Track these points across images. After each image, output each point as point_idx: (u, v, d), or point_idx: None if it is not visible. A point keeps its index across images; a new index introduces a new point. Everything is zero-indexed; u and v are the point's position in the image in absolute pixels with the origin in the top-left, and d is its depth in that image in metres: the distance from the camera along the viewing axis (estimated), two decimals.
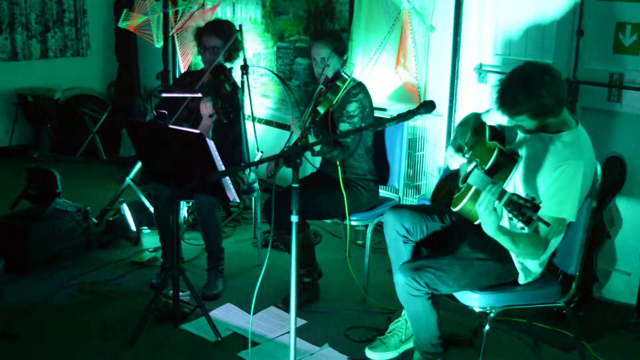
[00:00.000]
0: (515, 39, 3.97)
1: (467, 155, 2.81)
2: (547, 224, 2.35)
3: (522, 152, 2.66)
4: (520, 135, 2.72)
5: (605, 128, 3.61)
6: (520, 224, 2.31)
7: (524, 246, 2.51)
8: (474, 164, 2.68)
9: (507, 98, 2.49)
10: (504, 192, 2.36)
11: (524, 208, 2.29)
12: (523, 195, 2.60)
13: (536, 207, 2.28)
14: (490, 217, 2.40)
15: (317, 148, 3.46)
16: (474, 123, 2.95)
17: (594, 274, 3.53)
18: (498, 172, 2.60)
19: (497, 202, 2.37)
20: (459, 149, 2.82)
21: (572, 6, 3.63)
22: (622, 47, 3.49)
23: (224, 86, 3.77)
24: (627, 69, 3.48)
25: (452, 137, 2.96)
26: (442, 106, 4.00)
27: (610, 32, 3.51)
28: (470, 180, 2.62)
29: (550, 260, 2.78)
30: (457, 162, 2.84)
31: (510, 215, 2.34)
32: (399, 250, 2.98)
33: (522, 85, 2.46)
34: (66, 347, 3.24)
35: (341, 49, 3.57)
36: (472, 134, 2.93)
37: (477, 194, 2.52)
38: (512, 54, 3.99)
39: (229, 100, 3.69)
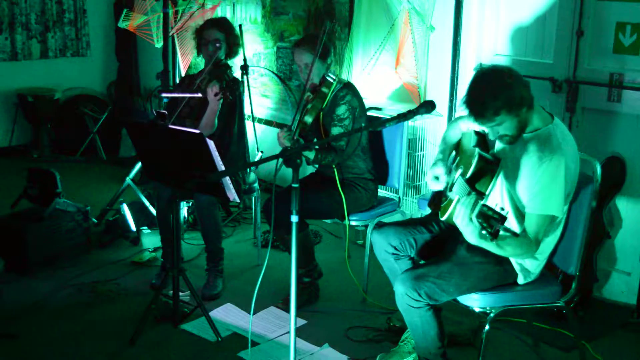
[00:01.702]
0: (515, 39, 3.97)
1: (452, 171, 2.82)
2: (515, 234, 2.35)
3: (504, 159, 2.65)
4: (500, 146, 2.69)
5: (605, 128, 3.61)
6: (488, 236, 2.30)
7: (512, 249, 2.50)
8: (459, 171, 2.68)
9: (477, 106, 2.46)
10: (476, 203, 2.35)
11: (492, 219, 2.28)
12: (507, 201, 2.60)
13: (503, 219, 2.27)
14: (467, 227, 2.40)
15: (311, 157, 3.41)
16: (453, 146, 2.96)
17: (594, 274, 3.53)
18: (480, 178, 2.60)
19: (471, 213, 2.36)
20: (437, 178, 2.83)
21: (572, 6, 3.63)
22: (622, 47, 3.48)
23: (226, 73, 3.87)
24: (627, 69, 3.48)
25: (436, 155, 2.96)
26: (442, 106, 4.00)
27: (610, 32, 3.51)
28: (454, 190, 2.63)
29: (550, 260, 2.78)
30: (436, 187, 2.85)
31: (480, 227, 2.34)
32: (393, 268, 2.97)
33: (485, 87, 2.45)
34: (66, 347, 3.24)
35: (324, 53, 3.52)
36: (455, 151, 2.94)
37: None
38: (512, 54, 3.99)
39: (233, 81, 3.82)
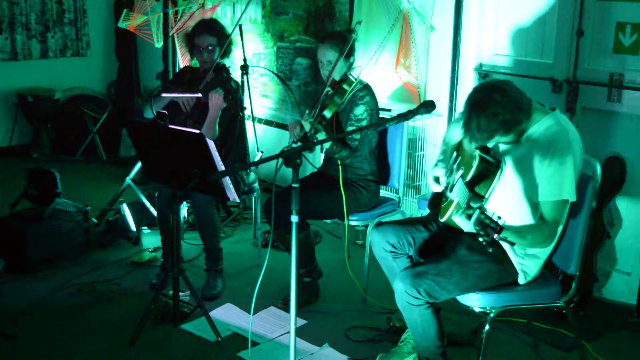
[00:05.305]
0: (515, 39, 3.97)
1: (453, 172, 2.83)
2: (511, 243, 2.36)
3: (509, 156, 2.66)
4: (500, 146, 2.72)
5: (605, 128, 3.61)
6: (485, 244, 2.31)
7: (532, 237, 2.51)
8: (460, 172, 2.68)
9: (472, 129, 2.52)
10: (474, 210, 2.35)
11: (489, 228, 2.28)
12: (515, 198, 2.60)
13: (500, 229, 2.27)
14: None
15: (326, 146, 3.46)
16: (454, 146, 2.97)
17: (594, 274, 3.53)
18: (481, 181, 2.60)
19: (469, 220, 2.36)
20: (437, 180, 2.84)
21: (572, 6, 3.63)
22: (622, 47, 3.49)
23: (229, 83, 3.85)
24: (627, 69, 3.48)
25: (437, 156, 2.97)
26: (442, 106, 4.00)
27: (610, 32, 3.51)
28: (454, 191, 2.63)
29: (550, 260, 2.78)
30: (437, 189, 2.86)
31: (477, 234, 2.34)
32: (391, 267, 2.98)
33: (479, 113, 2.50)
34: (66, 347, 3.24)
35: (348, 51, 3.54)
36: (456, 152, 2.95)
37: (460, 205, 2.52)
38: (512, 54, 3.99)
39: (236, 92, 3.82)
